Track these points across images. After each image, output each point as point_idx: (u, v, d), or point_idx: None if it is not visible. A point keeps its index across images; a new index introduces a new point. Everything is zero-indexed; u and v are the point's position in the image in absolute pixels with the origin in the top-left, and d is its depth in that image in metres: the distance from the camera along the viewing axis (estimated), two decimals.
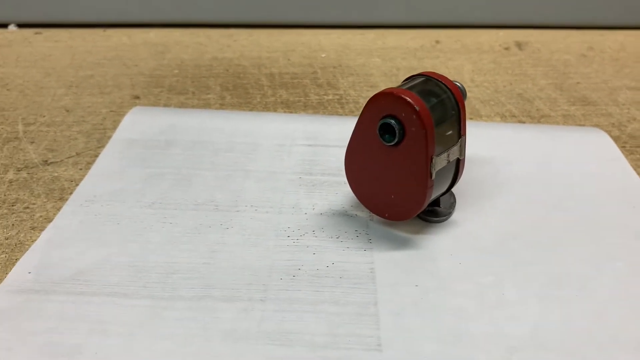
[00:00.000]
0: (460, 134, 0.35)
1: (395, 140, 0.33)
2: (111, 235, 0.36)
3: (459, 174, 0.37)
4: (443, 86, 0.35)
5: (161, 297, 0.31)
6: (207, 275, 0.33)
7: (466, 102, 0.56)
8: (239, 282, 0.33)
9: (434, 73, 0.36)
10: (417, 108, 0.32)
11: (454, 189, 0.41)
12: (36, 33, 0.70)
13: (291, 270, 0.33)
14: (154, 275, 0.33)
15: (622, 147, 0.49)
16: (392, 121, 0.33)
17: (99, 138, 0.47)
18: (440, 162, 0.34)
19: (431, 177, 0.34)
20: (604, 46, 0.71)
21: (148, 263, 0.34)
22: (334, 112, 0.53)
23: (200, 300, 0.31)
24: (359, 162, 0.37)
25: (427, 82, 0.35)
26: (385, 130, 0.34)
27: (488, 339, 0.30)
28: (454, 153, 0.35)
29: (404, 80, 0.37)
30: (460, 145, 0.35)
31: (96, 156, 0.44)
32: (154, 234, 0.36)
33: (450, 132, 0.35)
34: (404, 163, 0.34)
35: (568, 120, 0.53)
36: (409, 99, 0.32)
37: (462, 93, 0.38)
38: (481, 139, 0.48)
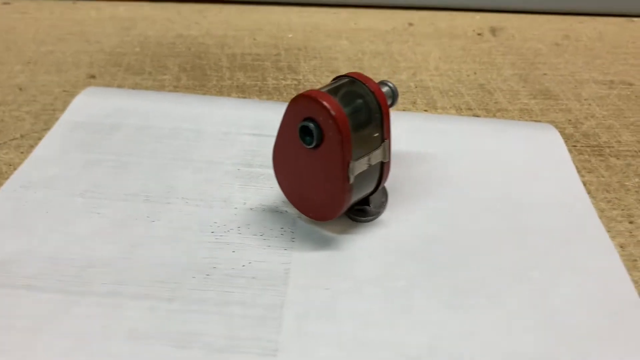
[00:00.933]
0: (383, 137, 0.35)
1: (314, 143, 0.33)
2: (37, 224, 0.37)
3: (384, 176, 0.36)
4: (367, 89, 0.34)
5: (73, 292, 0.32)
6: (122, 271, 0.33)
7: (424, 93, 0.56)
8: (152, 279, 0.33)
9: (360, 75, 0.35)
10: (333, 113, 0.32)
11: (388, 187, 0.41)
12: (4, 3, 0.69)
13: (206, 269, 0.34)
14: (70, 268, 0.33)
15: (573, 147, 0.48)
16: (311, 124, 0.33)
17: (47, 119, 0.47)
18: (359, 166, 0.34)
19: (349, 181, 0.34)
20: (580, 34, 0.69)
21: (67, 255, 0.34)
22: (288, 99, 0.52)
23: (110, 296, 0.32)
24: (285, 161, 0.37)
25: (352, 85, 0.35)
26: (305, 133, 0.34)
27: (386, 347, 0.30)
28: (376, 157, 0.35)
29: (332, 80, 0.36)
30: (383, 149, 0.35)
31: (40, 139, 0.45)
32: (79, 224, 0.37)
33: (372, 136, 0.35)
34: (323, 166, 0.34)
35: (524, 115, 0.52)
36: (326, 104, 0.32)
37: (392, 95, 0.37)
38: (427, 133, 0.47)
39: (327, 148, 0.33)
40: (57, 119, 0.47)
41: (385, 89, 0.37)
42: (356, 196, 0.36)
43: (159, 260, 0.34)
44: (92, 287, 0.32)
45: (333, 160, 0.33)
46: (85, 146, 0.44)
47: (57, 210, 0.38)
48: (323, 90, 0.35)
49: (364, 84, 0.34)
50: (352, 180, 0.34)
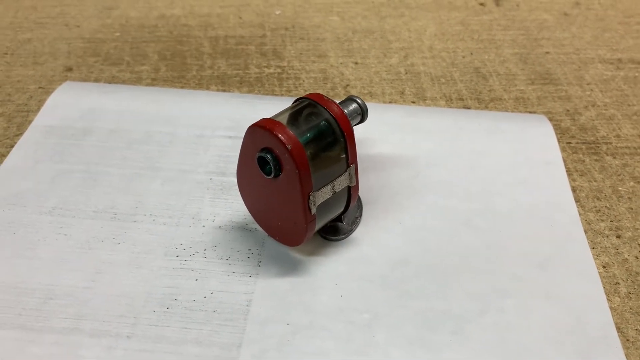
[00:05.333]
0: (348, 162, 0.33)
1: (272, 174, 0.32)
2: (4, 248, 0.36)
3: (352, 199, 0.35)
4: (327, 114, 0.32)
5: (31, 328, 0.32)
6: (84, 303, 0.33)
7: (414, 80, 0.53)
8: (112, 312, 0.33)
9: (321, 97, 0.33)
10: (289, 147, 0.30)
11: (364, 198, 0.39)
12: None
13: (167, 301, 0.33)
14: (32, 300, 0.33)
15: (567, 144, 0.45)
16: (268, 156, 0.31)
17: (20, 123, 0.46)
18: (322, 195, 0.33)
19: (310, 212, 0.32)
20: (592, 1, 0.64)
21: (30, 285, 0.34)
22: (270, 91, 0.50)
23: (69, 333, 0.32)
24: (248, 185, 0.35)
25: (312, 108, 0.33)
26: (263, 163, 0.32)
27: None
28: (341, 183, 0.33)
29: (294, 102, 0.34)
30: (349, 174, 0.33)
31: (12, 146, 0.44)
32: (45, 248, 0.36)
33: (336, 162, 0.33)
34: (284, 196, 0.32)
35: (519, 105, 0.49)
36: (281, 136, 0.30)
37: (362, 112, 0.35)
38: (410, 132, 0.45)
39: (286, 179, 0.32)
40: (30, 121, 0.46)
41: (352, 107, 0.35)
42: (323, 221, 0.34)
43: (120, 289, 0.34)
44: (52, 322, 0.32)
45: (293, 191, 0.32)
46: (56, 155, 0.43)
47: (25, 232, 0.37)
48: (283, 115, 0.33)
49: (325, 108, 0.32)
50: (314, 211, 0.32)
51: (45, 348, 0.31)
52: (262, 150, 0.31)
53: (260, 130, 0.31)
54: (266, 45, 0.56)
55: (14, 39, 0.56)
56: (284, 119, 0.32)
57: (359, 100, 0.35)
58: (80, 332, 0.32)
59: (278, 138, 0.30)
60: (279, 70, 0.53)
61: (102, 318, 0.32)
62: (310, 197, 0.32)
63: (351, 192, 0.34)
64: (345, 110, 0.35)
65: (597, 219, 0.39)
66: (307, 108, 0.33)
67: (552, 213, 0.39)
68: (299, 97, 0.34)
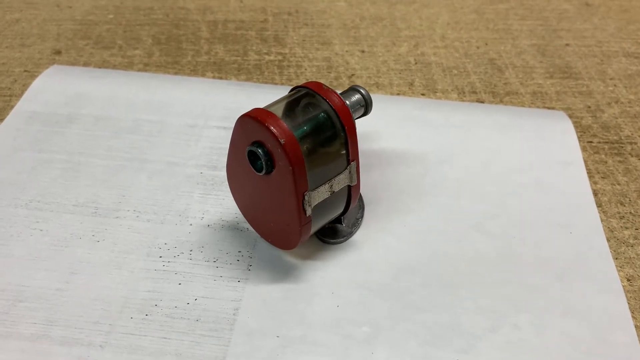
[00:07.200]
0: (349, 159, 0.30)
1: (264, 170, 0.29)
2: None
3: (352, 200, 0.32)
4: (327, 105, 0.29)
5: None
6: (55, 307, 0.30)
7: (424, 71, 0.50)
8: (86, 318, 0.30)
9: (320, 86, 0.30)
10: (282, 141, 0.27)
11: (366, 197, 0.36)
12: None
13: (146, 307, 0.30)
14: (0, 302, 0.31)
15: (589, 143, 0.42)
16: (259, 150, 0.28)
17: (2, 108, 0.43)
18: (319, 195, 0.29)
19: (305, 213, 0.29)
20: None
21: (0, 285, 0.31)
22: (269, 79, 0.47)
23: (37, 340, 0.29)
24: (239, 182, 0.32)
25: (309, 99, 0.29)
26: (254, 158, 0.29)
27: None
28: (340, 182, 0.30)
29: (290, 91, 0.31)
30: (349, 172, 0.30)
31: None
32: (19, 244, 0.33)
33: (335, 159, 0.30)
34: (277, 195, 0.29)
35: (537, 99, 0.46)
36: (273, 129, 0.27)
37: (365, 103, 0.32)
38: (419, 127, 0.42)
39: (279, 177, 0.28)
40: (12, 107, 0.43)
41: (355, 98, 0.32)
42: (320, 223, 0.31)
43: (96, 292, 0.31)
44: (19, 327, 0.29)
45: (286, 190, 0.29)
46: (38, 143, 0.40)
47: None
48: (277, 105, 0.29)
49: (324, 99, 0.29)
50: (309, 212, 0.29)
51: (9, 355, 0.28)
52: (253, 143, 0.28)
53: (251, 121, 0.28)
54: (267, 31, 0.53)
55: (1, 19, 0.53)
56: (278, 110, 0.29)
57: (362, 91, 0.32)
58: (49, 339, 0.29)
59: (270, 131, 0.27)
60: (279, 57, 0.50)
61: (74, 324, 0.29)
62: (306, 197, 0.28)
63: (351, 192, 0.31)
64: (347, 102, 0.31)
65: (621, 227, 0.36)
66: (305, 98, 0.30)
67: (571, 218, 0.36)
68: (296, 85, 0.30)
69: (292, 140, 0.27)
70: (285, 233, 0.31)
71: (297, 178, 0.28)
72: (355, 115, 0.32)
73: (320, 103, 0.29)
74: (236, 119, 0.30)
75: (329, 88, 0.29)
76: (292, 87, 0.46)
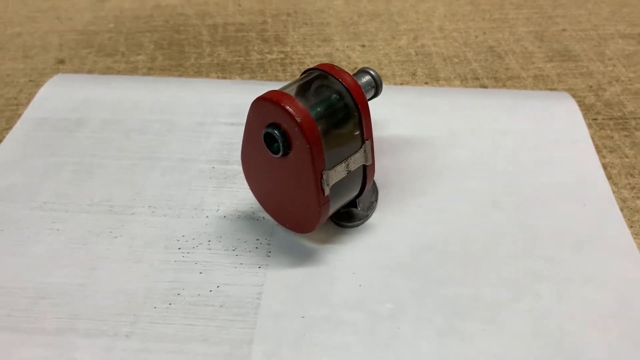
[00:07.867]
0: (363, 138, 0.30)
1: (281, 152, 0.29)
2: None
3: (368, 180, 0.32)
4: (340, 85, 0.29)
5: (22, 330, 0.29)
6: (78, 301, 0.30)
7: (425, 61, 0.50)
8: (110, 310, 0.30)
9: (332, 67, 0.30)
10: (298, 119, 0.27)
11: (379, 182, 0.36)
12: None
13: (169, 296, 0.30)
14: (22, 300, 0.30)
15: (593, 120, 0.42)
16: (276, 132, 0.28)
17: (9, 117, 0.44)
18: (336, 174, 0.30)
19: (324, 193, 0.29)
20: None
21: (20, 283, 0.31)
22: (273, 77, 0.48)
23: (62, 334, 0.29)
24: (254, 168, 0.32)
25: (323, 80, 0.30)
26: (270, 140, 0.29)
27: None
28: (356, 161, 0.30)
29: (302, 74, 0.31)
30: (364, 151, 0.30)
31: (0, 141, 0.41)
32: (36, 244, 0.33)
33: (350, 138, 0.30)
34: (294, 176, 0.30)
35: (539, 82, 0.46)
36: (289, 108, 0.27)
37: (375, 85, 0.32)
38: (425, 113, 0.42)
39: (296, 157, 0.29)
40: (20, 115, 0.43)
41: (365, 79, 0.32)
42: (337, 205, 0.32)
43: (118, 286, 0.31)
44: (43, 322, 0.29)
45: (304, 170, 0.29)
46: (48, 147, 0.40)
47: (15, 228, 0.34)
48: (290, 87, 0.30)
49: (337, 79, 0.29)
50: (327, 192, 0.29)
51: (36, 351, 0.28)
52: (269, 125, 0.29)
53: (266, 103, 0.28)
54: (267, 32, 0.53)
55: (2, 33, 0.54)
56: (291, 91, 0.29)
57: (372, 72, 0.32)
58: (74, 332, 0.29)
59: (286, 110, 0.27)
60: (282, 55, 0.50)
61: (98, 317, 0.29)
62: (324, 175, 0.29)
63: (367, 172, 0.31)
64: (359, 82, 0.32)
65: (633, 196, 0.36)
66: (318, 80, 0.30)
67: (583, 191, 0.36)
68: (308, 68, 0.31)
69: (309, 119, 0.27)
70: (304, 215, 0.31)
71: (315, 156, 0.28)
72: (367, 96, 0.32)
73: (333, 84, 0.29)
74: (244, 115, 0.30)
75: (341, 69, 0.30)
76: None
